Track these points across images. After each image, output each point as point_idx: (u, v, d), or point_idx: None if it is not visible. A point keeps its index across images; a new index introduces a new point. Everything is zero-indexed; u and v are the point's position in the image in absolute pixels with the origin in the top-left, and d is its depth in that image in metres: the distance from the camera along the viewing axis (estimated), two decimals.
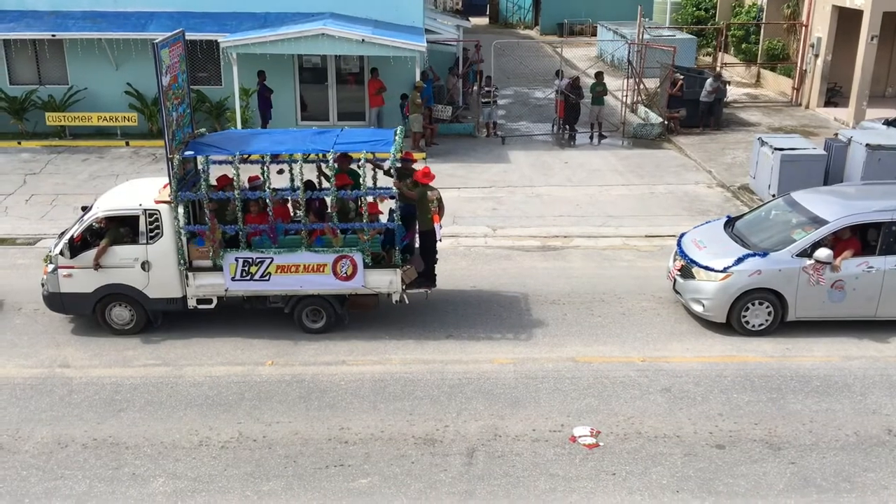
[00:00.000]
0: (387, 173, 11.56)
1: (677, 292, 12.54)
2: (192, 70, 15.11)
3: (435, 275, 12.33)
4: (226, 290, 11.67)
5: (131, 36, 21.56)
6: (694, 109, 23.75)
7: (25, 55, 22.53)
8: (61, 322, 12.27)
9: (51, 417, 10.02)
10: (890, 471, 9.01)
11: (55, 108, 22.14)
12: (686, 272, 12.27)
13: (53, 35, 21.68)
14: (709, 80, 23.78)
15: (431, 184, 12.00)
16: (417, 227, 12.23)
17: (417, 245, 12.43)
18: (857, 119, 22.98)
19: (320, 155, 11.88)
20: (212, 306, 11.83)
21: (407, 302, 11.93)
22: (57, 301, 11.84)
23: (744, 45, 31.72)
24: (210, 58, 22.42)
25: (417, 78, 21.51)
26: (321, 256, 11.46)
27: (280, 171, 12.42)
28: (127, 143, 22.10)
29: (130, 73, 22.20)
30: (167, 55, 11.21)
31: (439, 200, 12.06)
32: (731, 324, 11.93)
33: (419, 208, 11.97)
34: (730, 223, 13.26)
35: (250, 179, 12.05)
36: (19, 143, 21.96)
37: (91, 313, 11.88)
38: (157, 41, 10.92)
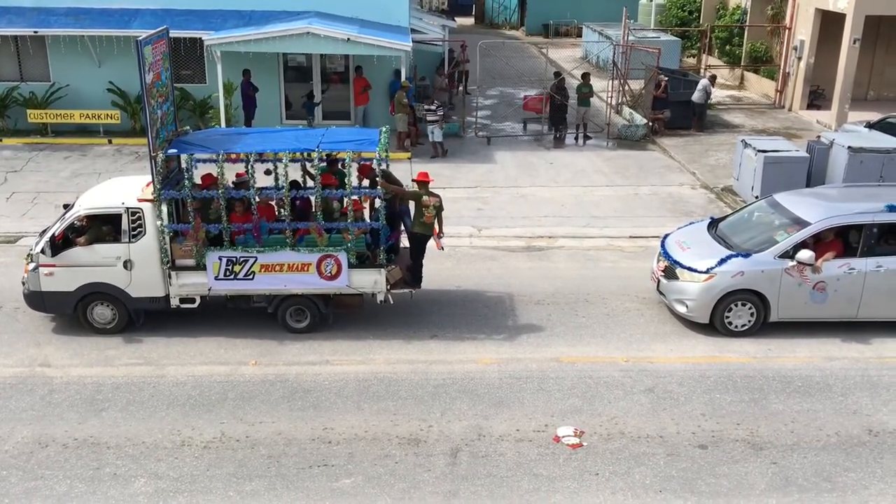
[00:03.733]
0: (372, 181, 11.55)
1: (661, 293, 12.60)
2: (175, 68, 15.00)
3: (421, 276, 12.31)
4: (209, 290, 11.60)
5: (114, 33, 21.43)
6: (679, 111, 23.87)
7: (7, 51, 22.34)
8: (42, 321, 12.17)
9: (31, 417, 9.93)
10: (870, 470, 9.09)
11: (37, 105, 21.97)
12: (670, 273, 12.32)
13: (35, 31, 21.51)
14: (703, 81, 23.93)
15: (432, 188, 11.93)
16: (407, 227, 12.19)
17: (406, 245, 12.40)
18: (839, 122, 23.16)
19: (305, 154, 11.83)
20: (195, 305, 11.77)
21: (391, 302, 11.92)
22: (38, 300, 11.73)
23: (727, 48, 31.92)
24: (194, 56, 22.30)
25: (403, 77, 21.48)
26: (305, 256, 11.43)
27: (267, 172, 12.35)
28: (109, 141, 21.95)
29: (113, 70, 22.05)
30: (150, 53, 11.13)
31: (438, 208, 11.92)
32: (714, 324, 11.99)
33: (416, 209, 11.91)
34: (713, 224, 13.34)
35: (237, 176, 11.99)
36: (0, 141, 21.75)
37: (72, 312, 11.78)
38: (140, 38, 10.84)
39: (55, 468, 9.01)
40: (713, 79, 24.84)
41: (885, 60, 27.92)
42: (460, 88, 26.87)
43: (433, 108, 21.45)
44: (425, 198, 11.80)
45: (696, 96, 23.82)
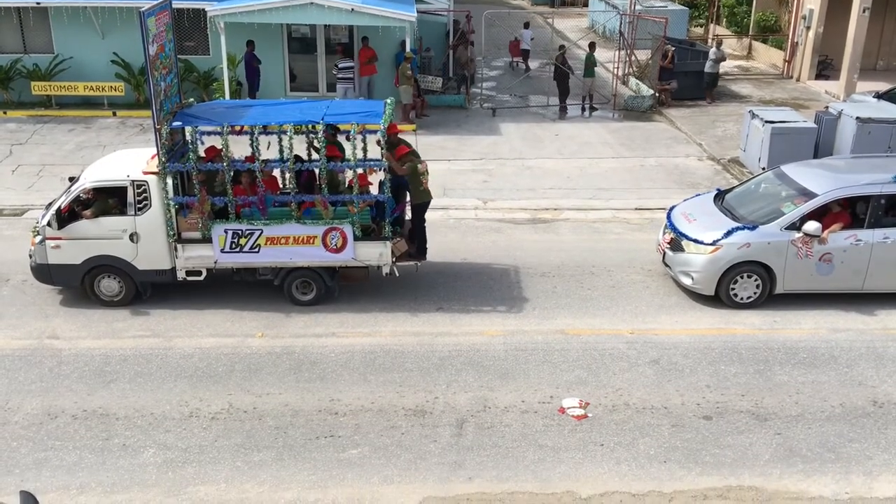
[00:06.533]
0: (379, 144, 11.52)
1: (667, 265, 12.58)
2: (179, 39, 14.93)
3: (426, 247, 12.32)
4: (215, 262, 11.63)
5: (117, 4, 21.26)
6: (687, 81, 23.66)
7: (10, 23, 22.20)
8: (50, 293, 12.22)
9: (40, 388, 10.01)
10: (874, 441, 9.13)
11: (41, 78, 21.88)
12: (675, 245, 12.30)
13: (38, 3, 21.37)
14: (712, 50, 23.72)
15: (419, 156, 11.98)
16: (410, 199, 12.21)
17: (409, 217, 12.41)
18: (847, 92, 22.96)
19: (310, 126, 11.78)
20: (201, 278, 11.80)
21: (397, 274, 11.93)
22: (45, 272, 11.77)
23: (735, 11, 31.55)
24: (197, 27, 22.15)
25: (407, 49, 21.32)
26: (311, 228, 11.43)
27: (268, 146, 12.31)
28: (114, 114, 21.88)
29: (117, 42, 21.91)
30: (154, 24, 11.05)
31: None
32: (720, 296, 11.99)
33: (411, 182, 11.93)
34: (720, 196, 13.28)
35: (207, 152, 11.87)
36: (5, 113, 21.71)
37: (79, 285, 11.83)
38: (143, 10, 10.75)
39: (65, 439, 9.09)
40: (719, 44, 24.61)
41: (894, 30, 27.59)
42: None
43: (340, 65, 21.40)
44: (419, 166, 11.81)
45: (709, 66, 23.61)
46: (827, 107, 18.45)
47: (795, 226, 11.69)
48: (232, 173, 11.41)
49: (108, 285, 11.82)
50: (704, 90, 23.85)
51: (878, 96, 19.95)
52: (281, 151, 12.37)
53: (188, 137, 11.58)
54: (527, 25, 27.09)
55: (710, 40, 29.40)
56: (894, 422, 9.46)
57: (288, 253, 11.55)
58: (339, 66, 21.63)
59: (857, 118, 16.48)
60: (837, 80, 24.55)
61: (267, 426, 9.32)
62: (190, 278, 11.78)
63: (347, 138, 11.63)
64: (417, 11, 21.50)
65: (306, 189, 11.78)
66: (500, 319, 11.67)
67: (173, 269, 11.70)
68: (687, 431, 9.27)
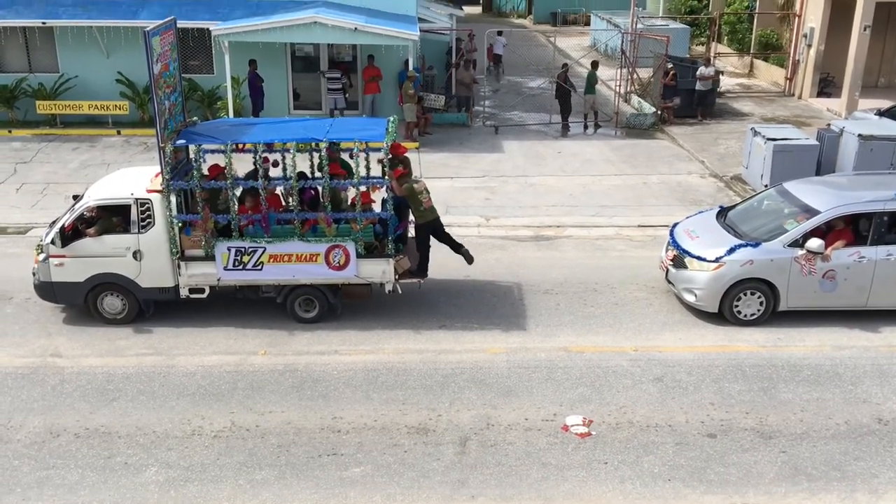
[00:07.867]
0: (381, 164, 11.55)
1: (670, 282, 12.57)
2: (183, 58, 15.02)
3: (426, 267, 12.30)
4: (218, 280, 11.63)
5: (122, 24, 21.45)
6: (689, 99, 23.77)
7: (15, 42, 22.39)
8: (53, 311, 12.23)
9: (43, 407, 10.00)
10: (880, 459, 9.08)
11: (46, 97, 22.02)
12: (678, 262, 12.29)
13: (44, 22, 21.55)
14: (701, 69, 23.82)
15: (415, 175, 11.99)
16: (413, 219, 12.20)
17: (411, 236, 12.40)
18: (849, 109, 23.03)
19: (313, 144, 11.83)
20: (204, 296, 11.80)
21: (399, 292, 11.93)
22: (48, 290, 11.79)
23: (736, 27, 31.73)
24: (202, 46, 22.30)
25: (410, 67, 21.44)
26: (314, 246, 11.44)
27: (275, 164, 12.34)
28: (118, 132, 22.00)
29: (121, 61, 22.06)
30: (158, 43, 11.13)
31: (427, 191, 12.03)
32: (723, 314, 11.96)
33: (412, 203, 11.92)
34: (722, 213, 13.29)
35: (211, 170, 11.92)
36: (10, 132, 21.84)
37: (83, 303, 11.84)
38: (148, 29, 10.84)
39: (67, 457, 9.07)
40: (706, 61, 24.71)
41: (895, 47, 27.70)
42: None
43: (331, 76, 22.19)
44: (416, 185, 11.81)
45: (697, 84, 23.73)
46: (829, 124, 18.48)
47: (798, 243, 11.69)
48: (238, 191, 11.45)
49: (112, 303, 11.82)
50: (695, 108, 23.91)
51: (880, 114, 20.00)
52: (284, 169, 12.40)
53: (192, 155, 11.63)
54: (500, 33, 30.87)
55: (711, 58, 29.57)
56: None
57: (291, 270, 11.56)
58: (327, 76, 22.17)
59: (859, 135, 16.50)
60: (839, 97, 24.64)
61: (269, 444, 9.29)
62: (193, 296, 11.78)
63: (351, 156, 11.67)
64: (420, 30, 21.64)
65: (311, 208, 11.80)
66: (503, 337, 11.65)
67: (176, 287, 11.71)
68: (691, 449, 9.23)
